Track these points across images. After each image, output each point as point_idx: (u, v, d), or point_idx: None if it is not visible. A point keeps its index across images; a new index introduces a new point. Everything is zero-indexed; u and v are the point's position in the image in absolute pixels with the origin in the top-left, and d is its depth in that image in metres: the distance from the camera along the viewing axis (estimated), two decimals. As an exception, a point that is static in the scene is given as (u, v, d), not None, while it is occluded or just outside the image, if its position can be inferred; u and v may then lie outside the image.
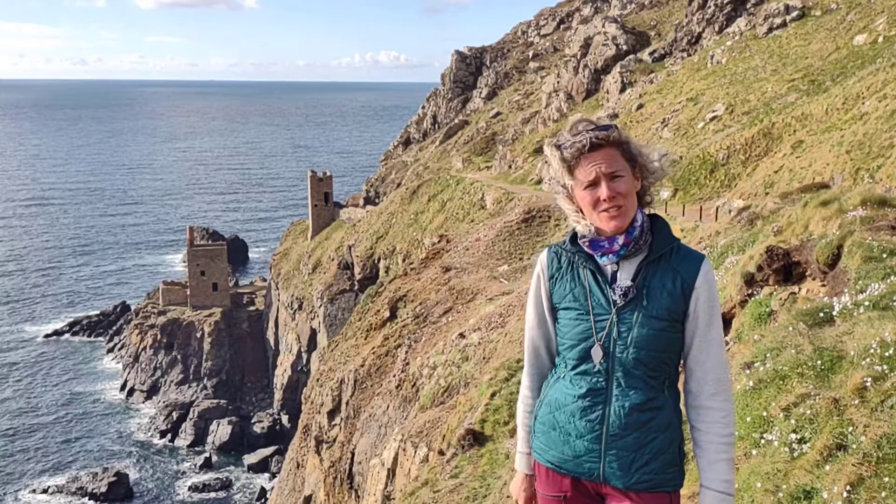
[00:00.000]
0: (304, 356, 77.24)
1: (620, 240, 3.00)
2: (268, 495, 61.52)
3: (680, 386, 3.17)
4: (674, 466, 3.07)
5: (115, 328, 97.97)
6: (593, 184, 2.96)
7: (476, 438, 18.59)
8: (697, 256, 3.06)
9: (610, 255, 3.03)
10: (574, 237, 3.15)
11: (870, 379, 4.45)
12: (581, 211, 3.08)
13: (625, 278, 3.04)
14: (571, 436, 3.10)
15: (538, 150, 72.27)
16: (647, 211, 3.12)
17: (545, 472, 3.25)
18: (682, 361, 3.14)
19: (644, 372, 3.01)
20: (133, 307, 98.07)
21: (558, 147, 3.01)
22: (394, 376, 37.55)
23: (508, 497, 13.56)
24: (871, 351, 4.72)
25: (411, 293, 46.10)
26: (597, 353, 3.04)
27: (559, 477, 3.20)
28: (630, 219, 3.00)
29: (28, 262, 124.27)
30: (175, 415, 77.25)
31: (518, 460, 3.45)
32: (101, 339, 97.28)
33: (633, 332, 2.99)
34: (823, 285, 7.55)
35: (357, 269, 72.81)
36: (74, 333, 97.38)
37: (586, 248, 3.08)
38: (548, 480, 3.24)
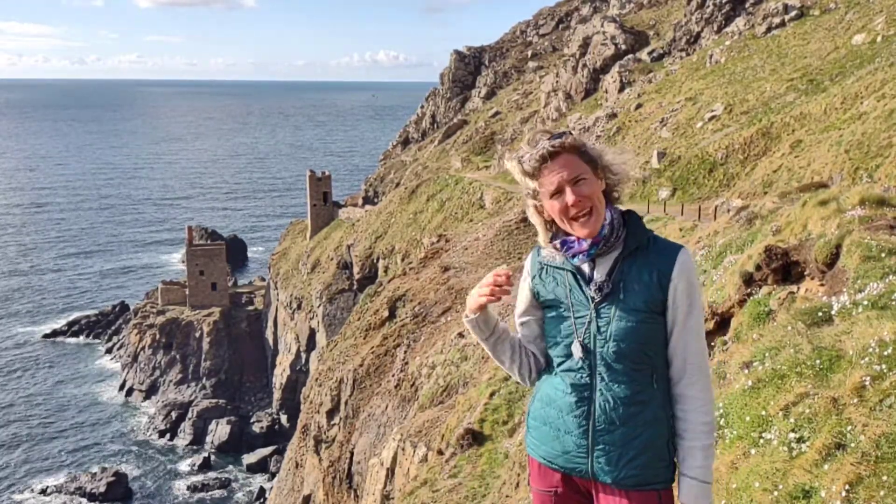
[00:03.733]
0: (303, 356, 77.23)
1: (588, 240, 3.06)
2: (267, 495, 61.51)
3: None
4: (662, 462, 3.08)
5: (113, 328, 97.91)
6: (558, 192, 3.01)
7: (475, 438, 18.61)
8: (674, 247, 3.09)
9: (580, 256, 3.09)
10: (554, 237, 3.20)
11: (868, 378, 4.46)
12: (550, 224, 3.14)
13: (601, 274, 3.10)
14: (560, 431, 3.15)
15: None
16: (619, 207, 3.16)
17: (538, 467, 3.29)
18: None
19: (626, 365, 3.04)
20: (132, 307, 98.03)
21: (519, 160, 3.08)
22: (393, 376, 37.57)
23: (508, 497, 13.57)
24: (870, 350, 4.73)
25: (410, 293, 46.10)
26: (577, 349, 3.09)
27: (550, 472, 3.24)
28: (601, 221, 3.05)
29: (26, 262, 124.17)
30: (174, 414, 77.21)
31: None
32: (99, 339, 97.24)
33: (612, 326, 3.03)
34: (822, 285, 7.56)
35: (356, 269, 72.82)
36: (73, 333, 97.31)
37: (559, 249, 3.14)
38: (540, 475, 3.29)
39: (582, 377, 3.10)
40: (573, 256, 3.10)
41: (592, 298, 3.07)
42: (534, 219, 3.17)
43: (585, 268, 3.12)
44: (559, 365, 3.17)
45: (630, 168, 3.16)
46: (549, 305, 3.20)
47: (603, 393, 3.06)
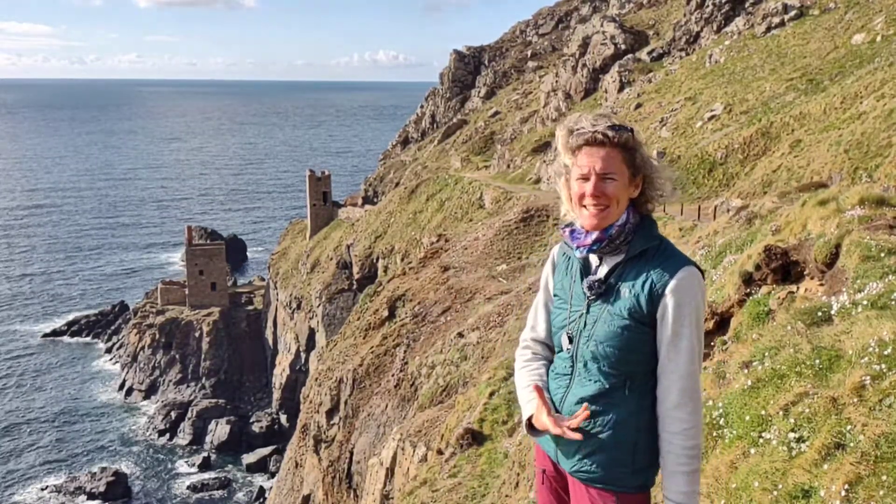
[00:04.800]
0: (303, 356, 77.23)
1: (594, 235, 3.07)
2: (266, 495, 61.50)
3: None
4: (623, 467, 3.06)
5: (113, 328, 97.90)
6: (585, 178, 3.03)
7: (475, 438, 18.62)
8: (678, 263, 2.99)
9: (581, 248, 3.12)
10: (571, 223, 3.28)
11: (868, 378, 4.45)
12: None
13: (600, 274, 3.13)
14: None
15: (536, 150, 72.28)
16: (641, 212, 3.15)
17: (537, 446, 3.44)
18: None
19: (601, 366, 3.05)
20: (131, 307, 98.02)
21: (570, 130, 3.08)
22: (392, 376, 37.57)
23: (507, 496, 13.56)
24: (870, 350, 4.73)
25: (410, 292, 46.10)
26: (564, 341, 3.16)
27: (541, 452, 3.37)
28: (610, 222, 3.05)
29: (26, 262, 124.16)
30: (173, 414, 77.20)
31: (524, 410, 3.25)
32: (99, 338, 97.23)
33: (597, 327, 3.06)
34: (822, 284, 7.56)
35: (356, 269, 72.80)
36: (73, 333, 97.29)
37: (566, 238, 3.20)
38: (537, 453, 3.43)
39: (565, 367, 3.17)
40: (576, 248, 3.14)
41: (586, 295, 3.11)
42: (562, 190, 3.19)
43: (594, 263, 3.17)
44: (556, 353, 3.28)
45: (669, 195, 3.15)
46: (555, 294, 3.29)
47: (575, 386, 3.12)
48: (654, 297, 2.96)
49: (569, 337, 3.13)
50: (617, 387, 3.04)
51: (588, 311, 3.09)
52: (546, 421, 3.04)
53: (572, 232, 3.15)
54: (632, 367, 3.03)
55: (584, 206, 3.05)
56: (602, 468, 3.06)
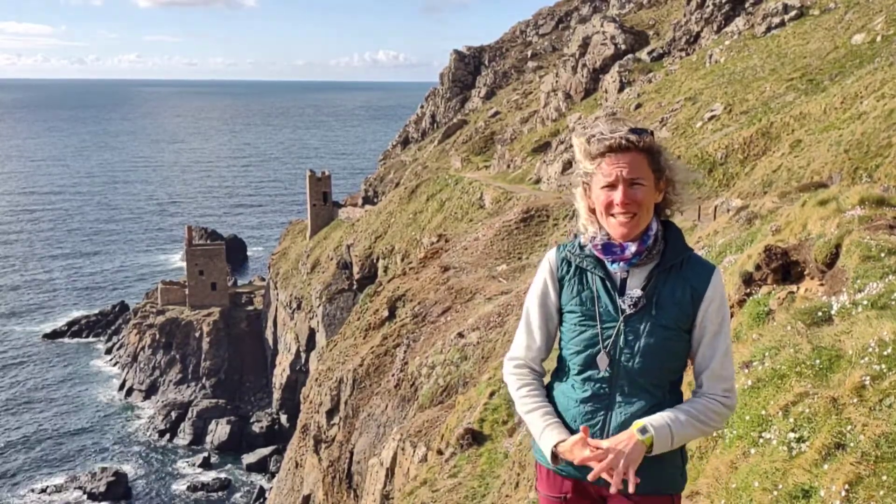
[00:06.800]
0: (303, 356, 77.22)
1: (633, 247, 2.98)
2: (266, 495, 61.50)
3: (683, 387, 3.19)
4: (675, 468, 3.08)
5: (113, 328, 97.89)
6: (611, 185, 2.93)
7: (475, 438, 18.62)
8: (709, 267, 3.04)
9: (621, 263, 3.01)
10: (593, 238, 3.14)
11: (868, 378, 4.45)
12: (592, 211, 3.06)
13: (635, 286, 3.01)
14: None
15: (537, 150, 72.26)
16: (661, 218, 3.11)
17: (546, 473, 3.24)
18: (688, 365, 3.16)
19: (648, 380, 3.00)
20: (131, 307, 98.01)
21: (587, 139, 2.98)
22: (392, 376, 37.55)
23: (508, 496, 13.56)
24: (870, 350, 4.72)
25: (410, 293, 46.10)
26: (602, 361, 3.02)
27: (560, 479, 3.19)
28: (641, 229, 2.97)
29: (26, 262, 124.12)
30: (174, 414, 77.20)
31: (547, 436, 3.06)
32: (99, 339, 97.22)
33: (641, 342, 2.97)
34: (822, 284, 7.56)
35: (356, 269, 72.80)
36: (73, 334, 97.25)
37: (597, 253, 3.05)
38: (549, 481, 3.24)
39: (602, 387, 3.04)
40: (613, 262, 3.02)
41: (623, 311, 3.00)
42: (580, 201, 3.09)
43: (617, 277, 3.04)
44: (578, 373, 3.09)
45: (686, 200, 3.12)
46: (570, 311, 3.11)
47: (622, 405, 3.02)
48: (696, 303, 2.98)
49: (608, 356, 3.00)
50: (661, 397, 3.02)
51: (627, 327, 2.99)
52: (588, 459, 2.88)
53: (605, 246, 3.01)
54: (672, 374, 3.05)
55: (612, 216, 2.94)
56: (659, 477, 3.01)
